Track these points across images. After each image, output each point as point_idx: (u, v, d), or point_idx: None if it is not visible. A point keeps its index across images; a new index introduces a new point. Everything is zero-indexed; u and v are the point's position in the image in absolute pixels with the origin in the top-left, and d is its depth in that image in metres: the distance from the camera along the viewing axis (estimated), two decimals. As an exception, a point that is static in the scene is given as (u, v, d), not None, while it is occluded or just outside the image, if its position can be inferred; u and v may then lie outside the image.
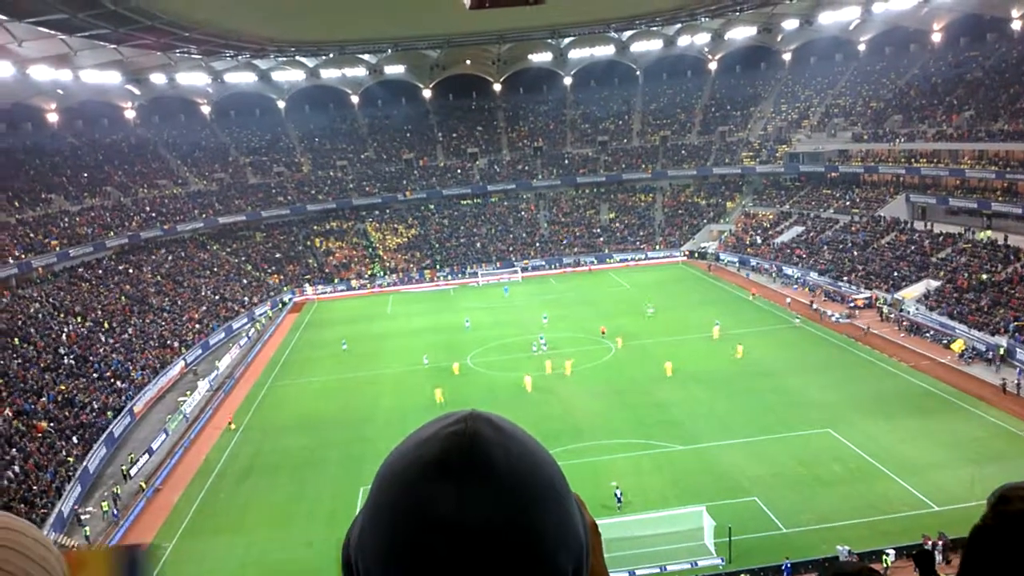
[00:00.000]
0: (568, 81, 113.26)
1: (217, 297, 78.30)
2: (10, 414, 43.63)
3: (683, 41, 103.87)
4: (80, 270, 72.90)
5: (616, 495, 34.39)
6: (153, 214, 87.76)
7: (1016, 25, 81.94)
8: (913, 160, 77.77)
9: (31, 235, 71.82)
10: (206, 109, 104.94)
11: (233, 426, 49.05)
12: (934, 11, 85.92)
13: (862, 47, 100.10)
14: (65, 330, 59.05)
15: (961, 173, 71.17)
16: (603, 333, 60.82)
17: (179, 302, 73.75)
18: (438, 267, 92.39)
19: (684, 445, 40.55)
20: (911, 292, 62.20)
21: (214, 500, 39.50)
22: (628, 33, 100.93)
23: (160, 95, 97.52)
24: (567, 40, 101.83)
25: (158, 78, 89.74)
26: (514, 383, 51.59)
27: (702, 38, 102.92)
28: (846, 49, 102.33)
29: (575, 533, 1.18)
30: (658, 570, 30.12)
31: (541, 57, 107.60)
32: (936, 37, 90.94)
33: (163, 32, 66.70)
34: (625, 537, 30.96)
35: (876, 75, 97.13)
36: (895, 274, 66.31)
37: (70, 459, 41.47)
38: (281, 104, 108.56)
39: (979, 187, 70.22)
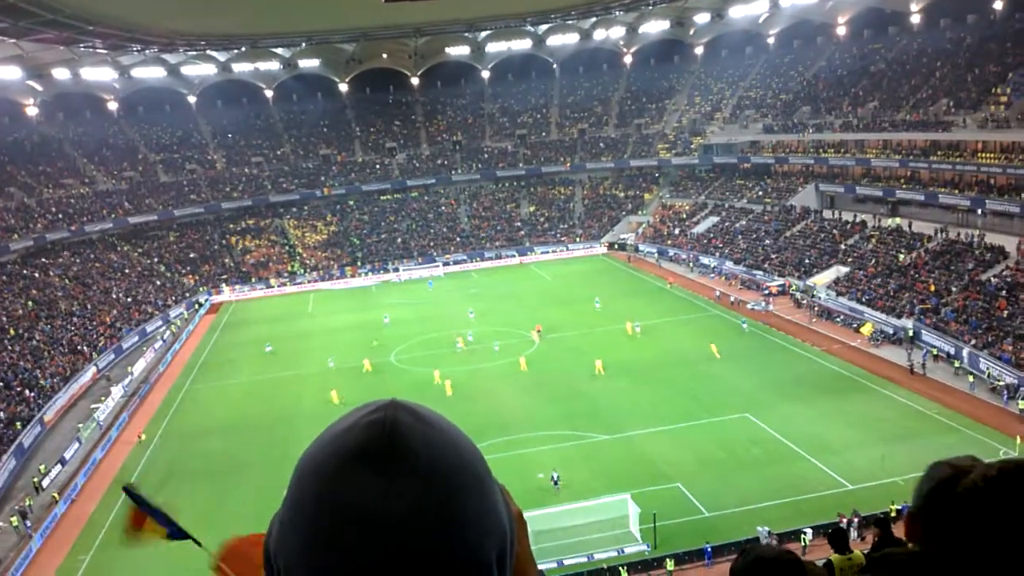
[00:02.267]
0: (486, 75, 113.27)
1: (129, 300, 75.95)
2: (-91, 428, 41.62)
3: (598, 35, 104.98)
4: (-18, 275, 69.81)
5: (553, 478, 35.33)
6: (59, 215, 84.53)
7: (915, 18, 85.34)
8: (821, 150, 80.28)
9: (-73, 239, 68.50)
10: (113, 105, 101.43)
11: (143, 438, 46.91)
12: (838, 5, 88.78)
13: (771, 40, 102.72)
14: (-33, 338, 56.54)
15: (867, 162, 73.77)
16: (539, 331, 59.46)
17: (89, 306, 71.24)
18: (359, 264, 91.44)
19: (609, 435, 41.12)
20: (822, 278, 64.26)
21: (132, 509, 38.33)
22: (544, 27, 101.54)
23: (64, 91, 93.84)
24: (484, 34, 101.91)
25: (61, 73, 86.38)
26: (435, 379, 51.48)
27: (617, 32, 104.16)
28: (756, 42, 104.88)
29: (498, 520, 1.17)
30: (586, 559, 30.49)
31: (458, 51, 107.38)
32: (841, 30, 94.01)
33: (65, 26, 64.28)
34: (553, 528, 31.27)
35: (785, 67, 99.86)
36: (806, 261, 68.38)
37: (-24, 473, 39.77)
38: (192, 99, 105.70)
39: (884, 175, 72.88)
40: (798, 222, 76.49)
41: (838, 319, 58.00)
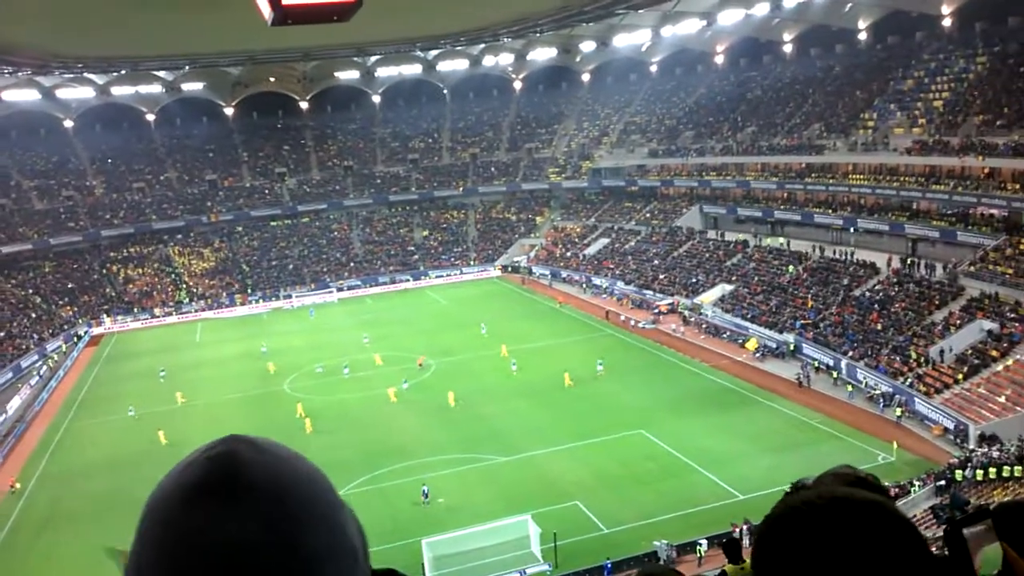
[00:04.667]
0: (376, 99, 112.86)
1: (2, 334, 71.96)
2: None
3: (488, 61, 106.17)
4: None
5: (423, 492, 36.00)
6: (-78, 246, 79.64)
7: (788, 48, 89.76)
8: (704, 173, 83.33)
9: None
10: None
11: (17, 487, 43.52)
12: (716, 34, 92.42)
13: (654, 68, 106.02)
14: None
15: (747, 184, 76.98)
16: (420, 365, 58.39)
17: (-43, 341, 67.24)
18: (249, 291, 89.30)
19: (507, 456, 41.36)
20: (708, 296, 66.50)
21: (8, 557, 36.23)
22: (434, 52, 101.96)
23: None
24: (374, 58, 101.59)
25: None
26: (333, 406, 50.87)
27: (506, 58, 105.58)
28: (640, 69, 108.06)
29: (347, 545, 1.19)
30: (488, 581, 30.54)
31: (348, 75, 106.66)
32: (719, 59, 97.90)
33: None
34: (455, 552, 31.26)
35: (668, 94, 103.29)
36: (693, 280, 70.64)
37: None
38: (69, 123, 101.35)
39: (763, 197, 76.17)
40: (684, 243, 78.99)
41: (725, 335, 60.07)
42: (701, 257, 74.61)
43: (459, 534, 32.18)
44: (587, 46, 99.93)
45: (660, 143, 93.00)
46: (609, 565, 29.88)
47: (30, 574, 34.29)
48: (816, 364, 50.81)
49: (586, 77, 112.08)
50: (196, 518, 1.09)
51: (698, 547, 30.28)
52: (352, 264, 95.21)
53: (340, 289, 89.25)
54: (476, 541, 31.98)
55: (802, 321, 55.66)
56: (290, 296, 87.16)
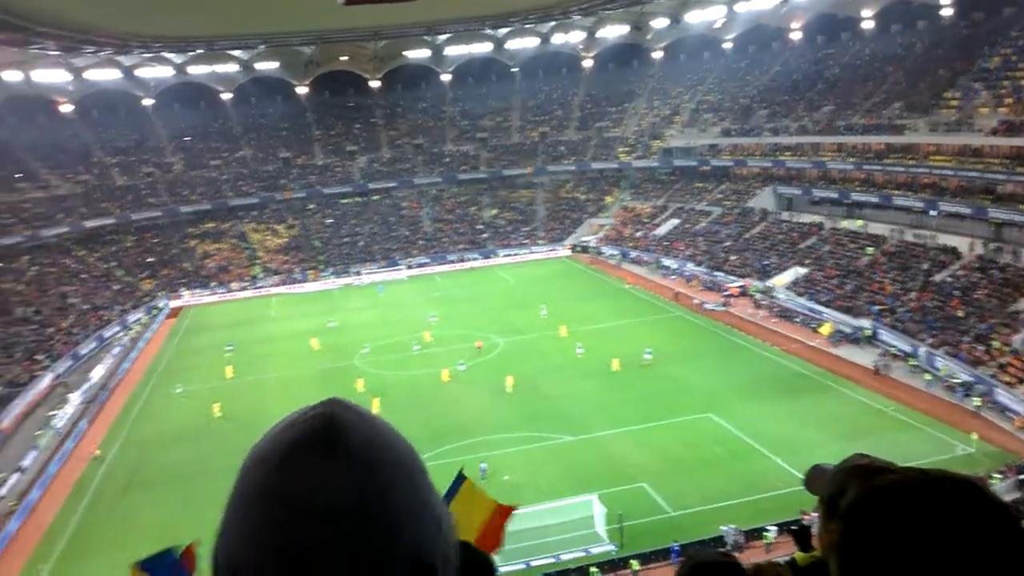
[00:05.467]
0: (446, 78, 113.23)
1: (87, 305, 74.67)
2: None
3: (558, 39, 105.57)
4: (-68, 281, 68.24)
5: (481, 469, 36.11)
6: (13, 220, 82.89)
7: (867, 24, 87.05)
8: (778, 153, 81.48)
9: None
10: (67, 108, 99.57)
11: (98, 454, 45.08)
12: (792, 10, 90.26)
13: (727, 45, 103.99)
14: (-82, 346, 55.23)
15: (823, 165, 75.05)
16: (479, 348, 58.17)
17: (45, 311, 69.95)
18: (321, 267, 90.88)
19: (574, 436, 41.40)
20: (781, 279, 65.25)
21: (93, 517, 37.79)
22: (504, 31, 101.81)
23: (16, 94, 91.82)
24: (443, 37, 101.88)
25: (12, 75, 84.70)
26: (404, 382, 51.60)
27: (576, 36, 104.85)
28: (713, 47, 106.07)
29: (432, 514, 1.23)
30: (553, 560, 30.68)
31: (418, 54, 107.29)
32: (795, 35, 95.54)
33: (15, 27, 62.99)
34: (520, 529, 31.39)
35: (742, 72, 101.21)
36: (765, 263, 69.37)
37: (-69, 483, 38.92)
38: (148, 102, 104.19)
39: (840, 178, 74.21)
40: (757, 224, 77.58)
41: (797, 319, 58.91)
42: (774, 239, 73.20)
43: (524, 511, 32.31)
44: (659, 23, 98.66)
45: (733, 122, 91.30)
46: (677, 548, 29.70)
47: (111, 539, 35.61)
48: (893, 351, 49.51)
49: (657, 55, 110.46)
50: (299, 476, 1.13)
51: (765, 534, 29.91)
52: (421, 242, 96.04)
53: (409, 267, 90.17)
54: (541, 519, 32.07)
55: (879, 306, 54.25)
56: (359, 273, 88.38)
